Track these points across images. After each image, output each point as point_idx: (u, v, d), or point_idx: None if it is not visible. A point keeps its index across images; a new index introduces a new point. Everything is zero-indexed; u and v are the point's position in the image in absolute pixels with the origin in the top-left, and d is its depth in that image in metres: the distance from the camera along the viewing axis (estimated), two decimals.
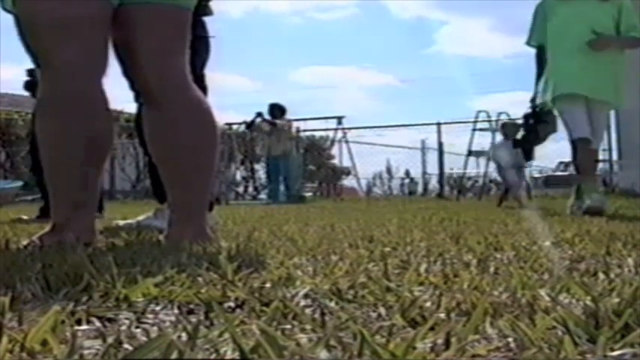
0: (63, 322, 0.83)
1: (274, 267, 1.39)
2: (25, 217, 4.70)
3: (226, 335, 0.73)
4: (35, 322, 0.77)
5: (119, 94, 2.56)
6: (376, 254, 1.66)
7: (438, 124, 16.11)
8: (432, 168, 17.16)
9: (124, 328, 0.87)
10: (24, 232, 2.68)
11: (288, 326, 0.86)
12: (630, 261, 1.51)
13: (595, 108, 4.68)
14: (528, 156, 6.47)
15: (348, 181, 19.76)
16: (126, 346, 0.72)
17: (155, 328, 0.88)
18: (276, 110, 12.98)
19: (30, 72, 5.22)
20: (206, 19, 3.23)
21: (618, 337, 0.74)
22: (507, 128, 8.59)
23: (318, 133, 20.10)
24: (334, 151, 18.68)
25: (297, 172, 14.38)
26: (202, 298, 1.04)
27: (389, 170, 21.41)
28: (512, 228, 2.76)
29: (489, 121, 14.58)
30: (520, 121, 5.79)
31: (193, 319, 0.92)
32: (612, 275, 1.28)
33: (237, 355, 0.67)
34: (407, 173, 20.98)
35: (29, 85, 5.26)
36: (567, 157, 8.92)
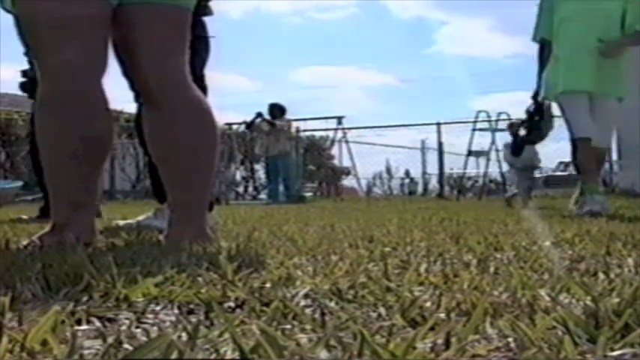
0: (63, 322, 0.83)
1: (274, 267, 1.39)
2: (24, 217, 4.70)
3: (226, 335, 0.73)
4: (35, 322, 0.77)
5: (119, 94, 2.57)
6: (376, 254, 1.66)
7: (438, 124, 16.11)
8: (432, 168, 17.19)
9: (124, 328, 0.87)
10: (24, 232, 2.68)
11: (288, 326, 0.86)
12: (630, 261, 1.51)
13: (601, 103, 4.58)
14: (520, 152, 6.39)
15: (348, 181, 19.77)
16: (126, 346, 0.72)
17: (155, 328, 0.88)
18: (276, 110, 12.98)
19: (24, 73, 5.22)
20: (206, 19, 3.23)
21: (618, 337, 0.74)
22: (515, 128, 8.55)
23: (318, 133, 20.13)
24: (334, 151, 18.70)
25: (296, 172, 14.39)
26: (202, 298, 1.04)
27: (388, 170, 21.42)
28: (512, 228, 2.76)
29: (489, 121, 14.59)
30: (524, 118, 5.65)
31: (193, 319, 0.92)
32: (612, 275, 1.28)
33: (237, 355, 0.67)
34: (407, 173, 21.00)
35: (25, 86, 5.26)
36: (567, 157, 8.92)
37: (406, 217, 4.07)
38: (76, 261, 1.28)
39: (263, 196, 16.12)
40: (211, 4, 3.23)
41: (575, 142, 4.60)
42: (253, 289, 1.10)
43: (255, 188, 18.89)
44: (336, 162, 19.53)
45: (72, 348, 0.68)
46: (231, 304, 1.04)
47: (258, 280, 1.19)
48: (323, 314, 0.93)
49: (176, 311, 1.00)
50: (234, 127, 16.96)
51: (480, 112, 14.71)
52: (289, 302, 0.96)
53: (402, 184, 21.39)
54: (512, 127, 8.55)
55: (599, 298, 0.94)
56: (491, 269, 1.39)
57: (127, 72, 2.25)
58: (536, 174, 16.79)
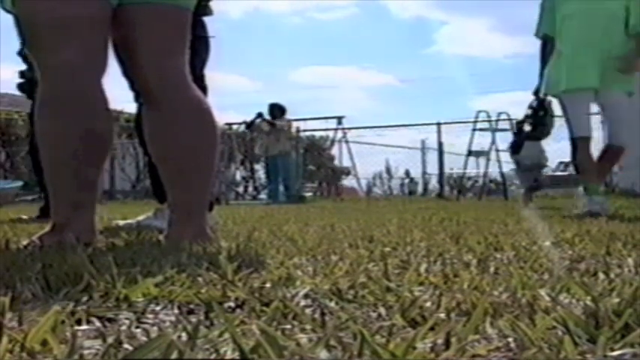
0: (63, 322, 0.83)
1: (274, 267, 1.39)
2: (24, 217, 4.71)
3: (226, 335, 0.73)
4: (35, 322, 0.77)
5: (119, 94, 2.57)
6: (376, 254, 1.66)
7: (438, 124, 16.11)
8: (432, 168, 17.18)
9: (124, 328, 0.87)
10: (24, 232, 2.68)
11: (288, 326, 0.86)
12: (630, 261, 1.51)
13: (610, 99, 4.52)
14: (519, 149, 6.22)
15: (348, 181, 19.76)
16: (126, 346, 0.72)
17: (155, 328, 0.88)
18: (276, 110, 12.99)
19: (22, 74, 5.23)
20: (206, 19, 3.23)
21: (618, 337, 0.74)
22: (519, 125, 8.47)
23: (318, 133, 20.12)
24: (334, 151, 18.70)
25: (296, 172, 14.39)
26: (202, 298, 1.04)
27: (388, 170, 21.42)
28: (512, 228, 2.76)
29: (489, 121, 14.58)
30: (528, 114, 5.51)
31: (193, 319, 0.92)
32: (612, 275, 1.28)
33: (237, 355, 0.67)
34: (407, 173, 20.98)
35: (23, 87, 5.27)
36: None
37: (406, 217, 4.07)
38: (76, 261, 1.28)
39: (263, 196, 16.12)
40: (211, 4, 3.24)
41: (574, 142, 4.56)
42: (253, 289, 1.10)
43: (255, 188, 18.89)
44: (336, 162, 19.53)
45: (72, 348, 0.68)
46: (231, 304, 1.04)
47: (258, 280, 1.19)
48: (323, 314, 0.93)
49: (176, 311, 1.00)
50: (234, 127, 16.95)
51: (479, 112, 14.69)
52: (289, 302, 0.96)
53: (402, 184, 21.38)
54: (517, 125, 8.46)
55: (599, 298, 0.94)
56: (491, 269, 1.39)
57: (127, 72, 2.25)
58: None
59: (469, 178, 17.61)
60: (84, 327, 0.87)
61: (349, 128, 16.61)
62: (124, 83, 2.38)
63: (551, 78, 4.64)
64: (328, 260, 1.56)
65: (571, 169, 9.00)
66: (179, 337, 0.73)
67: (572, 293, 1.05)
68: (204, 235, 2.08)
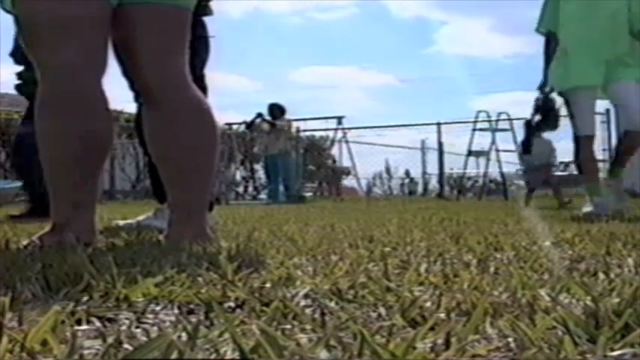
0: (63, 322, 0.83)
1: (274, 267, 1.39)
2: (16, 214, 4.72)
3: (226, 335, 0.73)
4: (35, 322, 0.77)
5: (119, 94, 2.57)
6: (376, 254, 1.66)
7: (438, 124, 16.13)
8: (432, 168, 17.20)
9: (124, 328, 0.87)
10: (24, 232, 2.68)
11: (288, 326, 0.86)
12: (630, 261, 1.51)
13: (620, 88, 4.42)
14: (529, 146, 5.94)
15: (348, 181, 19.76)
16: (126, 346, 0.72)
17: (155, 328, 0.88)
18: (276, 110, 12.99)
19: (19, 75, 5.24)
20: (206, 19, 3.23)
21: (618, 337, 0.74)
22: (529, 117, 8.30)
23: (318, 133, 20.12)
24: (334, 151, 18.70)
25: (296, 172, 14.39)
26: (202, 298, 1.04)
27: (388, 170, 21.41)
28: (512, 228, 2.76)
29: (489, 121, 14.58)
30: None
31: (193, 319, 0.92)
32: (612, 275, 1.28)
33: (237, 355, 0.67)
34: (407, 173, 20.98)
35: (21, 88, 5.29)
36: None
37: (406, 217, 4.07)
38: (76, 261, 1.28)
39: (263, 196, 16.13)
40: (211, 4, 3.23)
41: (578, 140, 4.50)
42: (253, 289, 1.10)
43: (255, 188, 18.89)
44: (331, 161, 19.53)
45: (72, 348, 0.68)
46: (231, 304, 1.04)
47: (258, 280, 1.19)
48: (323, 314, 0.93)
49: (176, 311, 1.00)
50: (234, 127, 16.95)
51: (479, 112, 14.70)
52: (289, 302, 0.96)
53: (402, 184, 21.38)
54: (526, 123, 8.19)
55: (599, 298, 0.94)
56: (491, 269, 1.39)
57: (127, 72, 2.25)
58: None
59: (469, 178, 17.61)
60: (84, 327, 0.87)
61: (349, 128, 16.63)
62: (124, 83, 2.38)
63: (556, 75, 4.58)
64: (328, 260, 1.56)
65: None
66: (179, 337, 0.73)
67: (572, 293, 1.05)
68: (204, 235, 2.08)
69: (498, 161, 14.53)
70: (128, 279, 1.14)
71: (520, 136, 14.41)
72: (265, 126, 13.04)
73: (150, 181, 3.42)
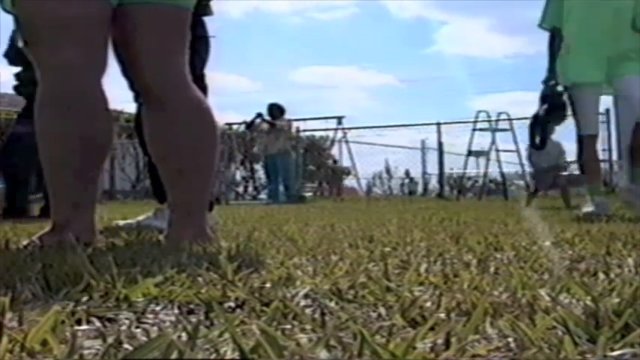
0: (63, 322, 0.83)
1: (274, 267, 1.39)
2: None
3: (226, 335, 0.73)
4: (35, 322, 0.77)
5: (119, 94, 2.57)
6: (376, 254, 1.66)
7: (438, 124, 16.13)
8: (432, 168, 17.19)
9: (124, 328, 0.87)
10: (24, 232, 2.68)
11: (288, 326, 0.86)
12: (630, 261, 1.51)
13: (625, 82, 4.36)
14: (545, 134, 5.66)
15: (348, 181, 19.76)
16: (126, 346, 0.72)
17: (155, 328, 0.88)
18: (275, 110, 13.00)
19: (18, 75, 5.26)
20: (206, 19, 3.23)
21: (618, 337, 0.74)
22: (535, 113, 8.13)
23: (318, 133, 20.12)
24: (334, 151, 18.71)
25: (296, 172, 14.39)
26: (202, 298, 1.04)
27: (388, 170, 21.41)
28: (512, 228, 2.76)
29: (489, 121, 14.59)
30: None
31: (193, 319, 0.92)
32: (612, 275, 1.28)
33: (237, 355, 0.67)
34: (407, 173, 20.97)
35: (19, 89, 5.30)
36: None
37: (406, 217, 4.07)
38: (76, 261, 1.28)
39: (263, 196, 16.13)
40: (211, 4, 3.23)
41: (581, 139, 4.45)
42: (253, 289, 1.10)
43: (255, 188, 18.89)
44: (331, 161, 19.54)
45: (72, 348, 0.68)
46: (231, 304, 1.04)
47: (258, 280, 1.19)
48: (323, 314, 0.93)
49: (176, 311, 1.00)
50: (234, 127, 16.96)
51: (479, 112, 14.72)
52: (289, 302, 0.96)
53: (402, 184, 21.37)
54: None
55: (599, 298, 0.94)
56: (492, 269, 1.39)
57: (127, 72, 2.25)
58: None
59: (469, 178, 17.61)
60: (84, 327, 0.87)
61: (349, 128, 16.63)
62: (123, 83, 2.38)
63: (560, 71, 4.51)
64: (328, 260, 1.56)
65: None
66: (179, 337, 0.73)
67: (572, 293, 1.05)
68: (204, 235, 2.08)
69: (498, 161, 14.55)
70: (128, 279, 1.14)
71: (520, 135, 14.44)
72: (265, 126, 13.04)
73: (150, 181, 3.43)
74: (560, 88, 4.61)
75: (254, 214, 5.35)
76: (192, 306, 1.03)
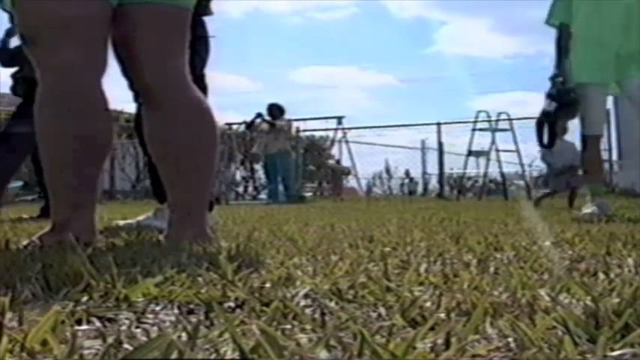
0: (63, 322, 0.83)
1: (274, 267, 1.39)
2: (25, 216, 4.72)
3: (226, 335, 0.73)
4: (35, 322, 0.77)
5: (119, 94, 2.57)
6: (376, 254, 1.66)
7: (438, 124, 16.12)
8: (432, 168, 17.19)
9: (124, 328, 0.87)
10: (24, 232, 2.68)
11: (288, 326, 0.86)
12: (630, 261, 1.51)
13: (634, 85, 4.28)
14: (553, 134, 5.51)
15: (348, 181, 19.75)
16: (126, 346, 0.72)
17: (155, 328, 0.88)
18: (275, 110, 13.00)
19: (14, 76, 5.26)
20: (206, 19, 3.23)
21: (618, 337, 0.74)
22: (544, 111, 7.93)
23: (318, 133, 20.13)
24: (334, 151, 18.71)
25: (295, 172, 14.39)
26: (202, 298, 1.04)
27: (388, 170, 21.41)
28: (512, 228, 2.76)
29: (489, 121, 14.59)
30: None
31: (193, 319, 0.92)
32: (612, 275, 1.28)
33: (237, 355, 0.67)
34: (407, 173, 20.98)
35: (15, 90, 5.31)
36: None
37: (406, 217, 4.07)
38: (76, 261, 1.28)
39: (263, 196, 16.12)
40: (211, 4, 3.24)
41: (585, 139, 4.39)
42: (253, 289, 1.10)
43: (255, 188, 18.88)
44: (332, 161, 19.53)
45: (72, 348, 0.68)
46: (231, 304, 1.04)
47: (258, 280, 1.19)
48: (323, 314, 0.93)
49: (176, 311, 1.00)
50: (234, 127, 16.96)
51: (479, 112, 14.72)
52: (289, 302, 0.96)
53: (402, 184, 21.38)
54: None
55: (599, 298, 0.94)
56: (491, 269, 1.39)
57: (127, 72, 2.25)
58: (536, 174, 16.80)
59: (469, 178, 17.62)
60: (84, 327, 0.87)
61: (349, 128, 16.63)
62: (123, 83, 2.38)
63: (571, 68, 4.41)
64: (328, 260, 1.56)
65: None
66: (179, 337, 0.73)
67: (572, 293, 1.05)
68: (204, 235, 2.08)
69: (498, 161, 14.55)
70: (128, 279, 1.14)
71: (520, 136, 14.43)
72: (265, 126, 13.05)
73: (150, 181, 3.43)
74: (568, 85, 4.52)
75: (254, 214, 5.35)
76: (192, 306, 1.03)
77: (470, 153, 14.90)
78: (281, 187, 13.35)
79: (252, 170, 19.27)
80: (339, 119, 16.32)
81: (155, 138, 2.21)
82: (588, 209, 4.23)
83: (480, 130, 14.58)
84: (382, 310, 0.96)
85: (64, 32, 2.03)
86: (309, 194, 16.37)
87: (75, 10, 2.04)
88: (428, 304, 0.96)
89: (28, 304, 1.00)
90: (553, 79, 4.55)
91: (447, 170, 16.57)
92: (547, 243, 1.97)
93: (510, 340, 0.75)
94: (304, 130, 17.71)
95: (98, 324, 0.89)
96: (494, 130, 14.47)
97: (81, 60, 2.03)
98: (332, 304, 1.02)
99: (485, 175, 15.38)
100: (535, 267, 1.42)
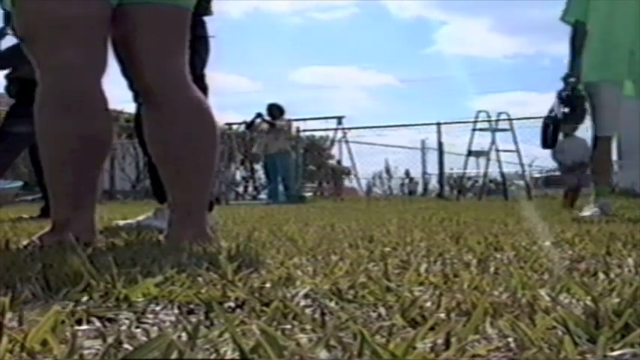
0: (63, 322, 0.83)
1: (274, 267, 1.39)
2: (25, 216, 4.72)
3: (226, 335, 0.73)
4: (35, 322, 0.77)
5: (119, 94, 2.57)
6: (376, 254, 1.66)
7: (438, 124, 16.11)
8: (432, 168, 17.17)
9: (124, 328, 0.87)
10: (24, 232, 2.68)
11: (288, 326, 0.86)
12: (630, 261, 1.51)
13: None
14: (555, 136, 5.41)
15: (348, 181, 19.75)
16: (126, 346, 0.72)
17: (155, 328, 0.88)
18: (275, 110, 13.00)
19: (8, 77, 5.28)
20: (206, 19, 3.23)
21: (618, 337, 0.74)
22: (554, 111, 7.71)
23: (318, 133, 20.11)
24: (334, 151, 18.70)
25: (295, 172, 14.39)
26: (202, 298, 1.04)
27: (388, 170, 21.40)
28: (512, 228, 2.76)
29: (489, 121, 14.58)
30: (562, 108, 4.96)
31: (193, 319, 0.92)
32: (612, 275, 1.28)
33: (237, 355, 0.67)
34: (407, 173, 20.96)
35: (9, 90, 5.32)
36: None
37: (406, 217, 4.07)
38: (76, 261, 1.28)
39: (263, 196, 16.11)
40: (211, 4, 3.24)
41: (596, 139, 4.34)
42: (253, 289, 1.10)
43: (255, 188, 18.87)
44: (332, 162, 19.53)
45: (72, 348, 0.68)
46: (231, 304, 1.04)
47: (258, 280, 1.19)
48: (323, 314, 0.93)
49: (176, 311, 1.00)
50: (234, 127, 16.95)
51: (480, 112, 14.70)
52: (289, 302, 0.96)
53: (402, 184, 21.36)
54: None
55: (599, 298, 0.94)
56: (491, 269, 1.39)
57: (127, 72, 2.25)
58: (536, 174, 16.81)
59: (469, 178, 17.59)
60: (84, 327, 0.87)
61: (349, 128, 16.61)
62: (123, 83, 2.38)
63: (584, 66, 4.35)
64: (328, 260, 1.56)
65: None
66: (179, 337, 0.73)
67: (572, 293, 1.05)
68: (204, 235, 2.08)
69: (498, 161, 14.53)
70: (128, 279, 1.14)
71: (520, 136, 14.41)
72: (265, 126, 13.05)
73: (150, 181, 3.43)
74: (581, 89, 4.46)
75: (254, 214, 5.35)
76: (192, 306, 1.03)
77: (470, 153, 14.88)
78: (281, 187, 13.35)
79: (252, 170, 19.26)
80: (339, 119, 16.31)
81: (155, 138, 2.21)
82: (589, 211, 4.21)
83: (480, 130, 14.57)
84: (382, 310, 0.96)
85: (64, 32, 2.03)
86: (309, 194, 16.37)
87: (75, 10, 2.04)
88: (428, 304, 0.96)
89: (28, 304, 1.00)
90: (565, 79, 4.50)
91: (447, 170, 16.56)
92: (547, 243, 1.97)
93: (510, 340, 0.75)
94: (304, 130, 17.71)
95: (98, 324, 0.89)
96: (494, 130, 14.46)
97: (81, 60, 2.03)
98: (332, 304, 1.02)
99: (486, 175, 15.36)
100: (535, 267, 1.42)
